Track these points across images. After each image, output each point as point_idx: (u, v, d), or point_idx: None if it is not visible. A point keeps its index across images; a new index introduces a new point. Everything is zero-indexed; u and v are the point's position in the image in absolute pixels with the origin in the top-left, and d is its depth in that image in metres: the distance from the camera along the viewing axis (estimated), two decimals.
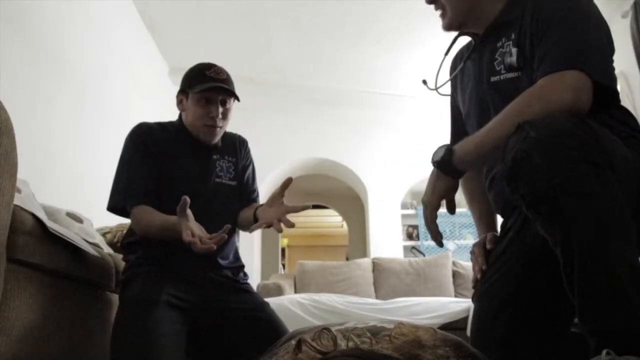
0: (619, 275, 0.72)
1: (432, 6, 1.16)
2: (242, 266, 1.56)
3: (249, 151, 1.67)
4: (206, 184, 1.49)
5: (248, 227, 1.53)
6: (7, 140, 0.86)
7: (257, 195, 1.65)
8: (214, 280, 1.42)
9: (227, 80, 1.48)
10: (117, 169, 1.45)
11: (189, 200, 1.20)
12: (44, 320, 1.07)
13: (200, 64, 1.53)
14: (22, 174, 0.98)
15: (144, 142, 1.46)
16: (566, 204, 0.74)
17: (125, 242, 1.47)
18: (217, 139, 1.53)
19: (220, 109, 1.47)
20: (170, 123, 1.57)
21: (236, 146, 1.62)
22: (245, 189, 1.62)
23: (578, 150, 0.75)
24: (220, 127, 1.50)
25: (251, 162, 1.67)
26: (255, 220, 1.45)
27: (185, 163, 1.48)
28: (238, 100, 1.52)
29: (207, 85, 1.43)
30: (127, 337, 1.23)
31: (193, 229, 1.21)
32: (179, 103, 1.53)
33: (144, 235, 1.37)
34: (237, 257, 1.55)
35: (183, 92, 1.51)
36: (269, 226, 1.36)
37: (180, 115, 1.56)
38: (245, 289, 1.50)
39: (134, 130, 1.50)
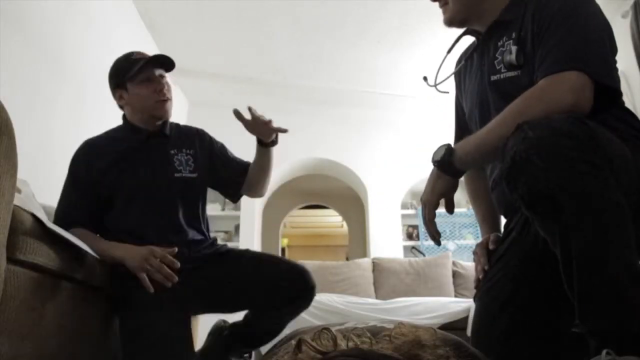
0: (618, 275, 0.71)
1: (432, 6, 1.16)
2: (215, 239, 1.61)
3: (208, 138, 1.69)
4: (166, 179, 1.51)
5: (265, 165, 1.60)
6: (7, 140, 0.86)
7: (245, 162, 1.69)
8: (194, 259, 1.47)
9: (157, 56, 1.55)
10: (62, 189, 1.50)
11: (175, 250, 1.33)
12: (44, 320, 1.07)
13: (119, 57, 1.56)
14: (22, 174, 0.98)
15: (86, 166, 1.48)
16: (565, 204, 0.74)
17: None
18: (170, 113, 1.55)
19: (163, 82, 1.52)
20: (117, 128, 1.59)
21: (193, 138, 1.64)
22: (231, 166, 1.66)
23: (577, 151, 0.75)
24: (170, 100, 1.53)
25: (214, 145, 1.68)
26: (259, 142, 1.56)
27: (142, 163, 1.50)
28: (170, 64, 1.56)
29: (141, 63, 1.48)
30: (136, 337, 1.28)
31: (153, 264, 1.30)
32: (119, 99, 1.55)
33: None
34: (208, 231, 1.61)
35: (119, 87, 1.53)
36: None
37: (124, 116, 1.58)
38: (224, 251, 1.57)
39: (76, 153, 1.52)
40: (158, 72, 1.52)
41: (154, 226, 1.46)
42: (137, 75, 1.49)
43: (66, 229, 1.37)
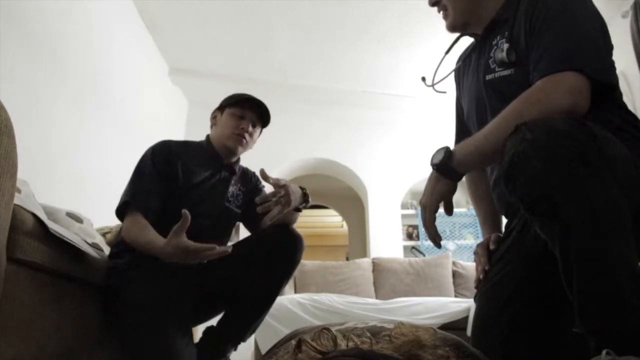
0: (617, 275, 0.71)
1: (432, 7, 1.17)
2: None
3: (259, 182, 1.76)
4: (217, 206, 1.57)
5: (290, 222, 1.62)
6: (7, 140, 0.86)
7: None
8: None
9: (264, 105, 1.62)
10: (133, 179, 1.47)
11: (189, 218, 1.23)
12: (44, 320, 1.07)
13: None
14: (22, 174, 0.98)
15: (164, 160, 1.50)
16: (564, 205, 0.74)
17: (114, 250, 1.49)
18: (241, 152, 1.63)
19: (250, 127, 1.60)
20: (195, 144, 1.64)
21: (248, 178, 1.73)
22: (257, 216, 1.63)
23: (575, 151, 0.75)
24: (247, 142, 1.60)
25: (262, 191, 1.73)
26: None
27: (204, 181, 1.55)
28: (268, 122, 1.66)
29: (243, 97, 1.59)
30: (144, 342, 1.28)
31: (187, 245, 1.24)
32: (212, 119, 1.67)
33: (128, 242, 1.38)
34: None
35: (219, 109, 1.65)
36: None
37: (207, 136, 1.66)
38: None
39: (157, 145, 1.55)
40: (254, 117, 1.62)
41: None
42: (235, 107, 1.60)
43: (137, 207, 1.39)
